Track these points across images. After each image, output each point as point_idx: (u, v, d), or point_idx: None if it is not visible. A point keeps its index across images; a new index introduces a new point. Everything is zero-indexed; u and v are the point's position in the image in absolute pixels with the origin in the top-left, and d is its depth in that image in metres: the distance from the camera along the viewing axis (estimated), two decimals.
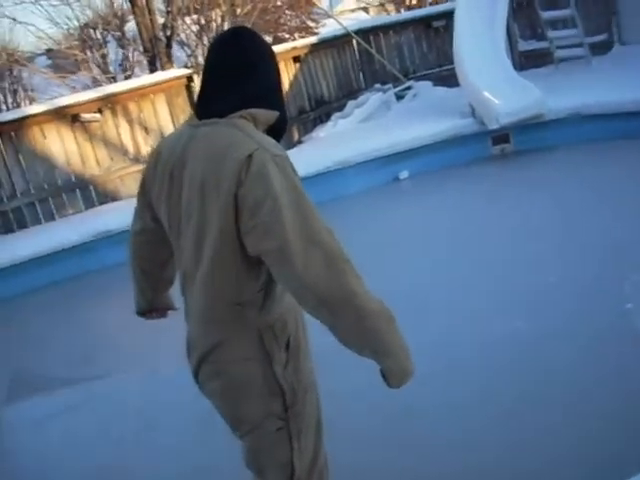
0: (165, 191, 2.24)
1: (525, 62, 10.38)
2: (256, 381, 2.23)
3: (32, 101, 15.74)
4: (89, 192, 8.12)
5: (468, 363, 4.03)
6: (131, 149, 8.33)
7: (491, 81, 7.90)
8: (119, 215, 7.36)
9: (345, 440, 3.16)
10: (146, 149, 8.34)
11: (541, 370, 3.80)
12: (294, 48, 9.87)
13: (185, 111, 8.44)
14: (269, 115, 2.20)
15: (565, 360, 3.83)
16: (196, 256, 2.18)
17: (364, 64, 10.68)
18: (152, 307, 2.70)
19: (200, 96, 2.25)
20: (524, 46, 10.57)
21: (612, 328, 4.03)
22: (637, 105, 7.24)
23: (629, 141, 6.98)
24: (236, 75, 2.17)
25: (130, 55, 13.95)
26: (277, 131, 2.25)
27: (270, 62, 2.25)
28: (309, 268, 1.98)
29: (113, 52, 14.54)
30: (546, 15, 9.86)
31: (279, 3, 18.45)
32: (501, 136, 7.87)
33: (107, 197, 8.15)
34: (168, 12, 11.93)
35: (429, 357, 4.05)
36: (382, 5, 24.13)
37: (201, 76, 2.28)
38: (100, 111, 8.11)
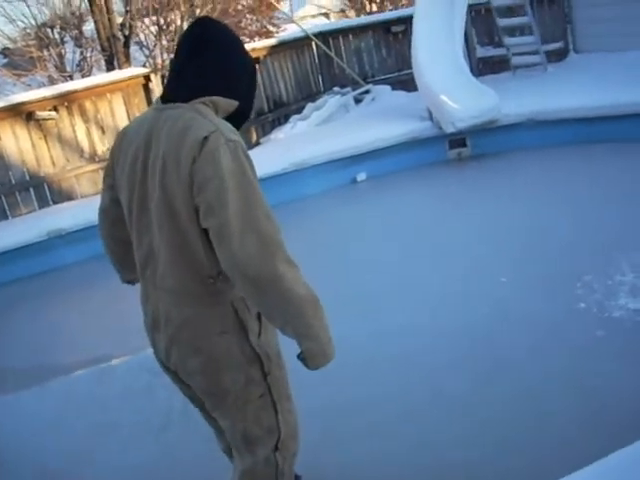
0: (127, 171, 2.34)
1: (483, 68, 10.52)
2: (234, 352, 2.33)
3: None
4: (43, 191, 8.00)
5: (424, 351, 4.13)
6: (87, 148, 8.22)
7: (448, 85, 7.97)
8: (73, 214, 7.29)
9: None
10: (102, 149, 8.26)
11: (494, 358, 3.89)
12: (253, 49, 9.81)
13: (143, 111, 8.36)
14: (228, 104, 2.32)
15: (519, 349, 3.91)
16: (162, 231, 2.26)
17: (323, 67, 10.70)
18: (126, 279, 2.80)
19: (167, 80, 2.40)
20: (482, 52, 10.71)
21: (557, 328, 4.11)
22: (588, 112, 7.41)
23: (580, 146, 7.15)
24: (197, 63, 2.30)
25: (88, 55, 13.79)
26: (236, 120, 2.35)
27: (231, 52, 2.35)
28: (243, 249, 2.10)
29: (70, 51, 14.36)
30: (503, 22, 10.00)
31: (240, 7, 18.40)
32: (458, 140, 7.95)
33: (62, 196, 8.04)
34: (127, 11, 11.82)
35: (376, 345, 4.26)
36: (343, 11, 24.26)
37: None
38: (56, 109, 8.00)
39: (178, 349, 2.37)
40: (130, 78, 8.47)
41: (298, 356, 2.24)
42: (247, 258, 2.10)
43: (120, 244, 2.62)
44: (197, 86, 2.29)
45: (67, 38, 14.65)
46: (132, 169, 2.32)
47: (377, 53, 10.94)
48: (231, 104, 2.33)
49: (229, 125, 2.26)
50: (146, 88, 8.49)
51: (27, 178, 7.93)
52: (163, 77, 8.67)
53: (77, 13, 14.37)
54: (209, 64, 2.29)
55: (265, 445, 2.49)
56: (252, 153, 2.28)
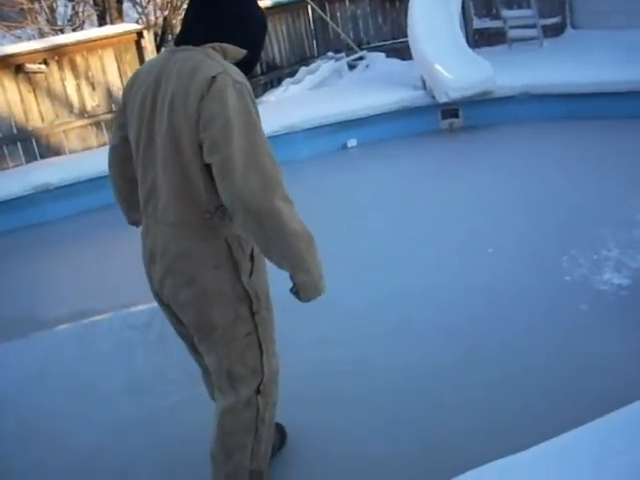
0: (137, 109, 2.44)
1: (479, 40, 10.42)
2: (225, 288, 2.44)
3: None
4: (31, 145, 7.91)
5: (418, 322, 4.12)
6: (76, 104, 8.12)
7: (443, 55, 7.90)
8: (61, 170, 7.23)
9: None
10: (92, 104, 8.16)
11: (490, 334, 3.88)
12: None
13: (134, 68, 8.24)
14: (237, 51, 2.43)
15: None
16: (166, 166, 2.35)
17: (318, 31, 10.61)
18: (132, 220, 2.87)
19: (181, 27, 2.51)
20: (478, 24, 10.60)
21: (552, 303, 4.12)
22: (582, 87, 7.38)
23: (573, 121, 7.15)
24: (209, 10, 2.41)
25: (80, 9, 13.57)
26: (243, 68, 2.43)
27: (244, 2, 2.46)
28: (246, 184, 2.20)
29: (62, 5, 14.14)
30: None
31: None
32: (450, 110, 7.91)
33: (50, 151, 7.95)
34: None
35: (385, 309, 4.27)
36: None
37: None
38: (46, 63, 7.88)
39: (172, 279, 2.45)
40: (122, 34, 8.34)
41: (291, 289, 2.36)
42: (249, 193, 2.19)
43: (127, 182, 2.71)
44: (208, 32, 2.40)
45: None
46: (142, 106, 2.42)
47: (373, 20, 10.86)
48: (239, 52, 2.43)
49: (237, 69, 2.36)
50: (138, 45, 8.36)
51: (15, 131, 7.84)
52: (156, 34, 8.59)
53: None
54: (222, 12, 2.40)
55: (248, 385, 2.56)
56: None
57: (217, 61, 2.33)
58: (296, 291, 2.36)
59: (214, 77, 2.25)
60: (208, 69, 2.27)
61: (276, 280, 2.59)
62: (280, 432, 3.10)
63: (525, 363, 3.55)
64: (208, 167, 2.28)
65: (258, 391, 2.58)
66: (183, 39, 2.45)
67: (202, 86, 2.24)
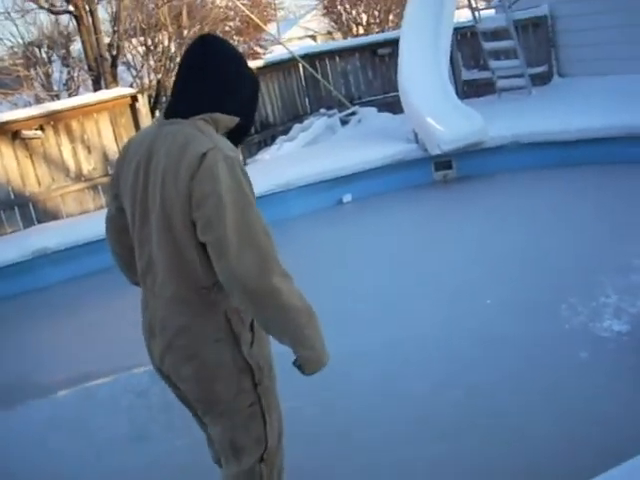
0: (130, 183, 2.41)
1: (468, 91, 10.61)
2: (227, 361, 2.41)
3: None
4: (28, 210, 7.96)
5: (409, 375, 4.11)
6: (73, 168, 8.19)
7: (434, 108, 8.02)
8: (59, 234, 7.26)
9: None
10: (88, 168, 8.23)
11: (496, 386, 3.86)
12: None
13: (129, 131, 8.35)
14: (228, 120, 2.39)
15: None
16: (161, 242, 2.33)
17: (310, 89, 10.76)
18: (134, 282, 2.79)
19: (170, 97, 2.47)
20: (467, 75, 10.81)
21: (544, 351, 4.11)
22: (572, 135, 7.49)
23: (565, 168, 7.22)
24: (197, 78, 2.37)
25: (75, 74, 13.79)
26: (237, 135, 2.44)
27: (233, 68, 2.41)
28: (241, 263, 2.17)
29: (57, 71, 14.38)
30: (488, 46, 10.10)
31: (227, 28, 18.48)
32: (443, 162, 7.99)
33: (47, 216, 8.00)
34: (114, 32, 11.85)
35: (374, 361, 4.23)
36: (330, 34, 24.48)
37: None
38: (42, 128, 7.98)
39: (172, 355, 2.42)
40: (117, 98, 8.46)
41: (294, 363, 2.32)
42: (245, 272, 2.17)
43: (126, 250, 2.65)
44: (198, 102, 2.36)
45: (54, 57, 14.66)
46: (134, 183, 2.39)
47: (363, 75, 11.02)
48: (232, 120, 2.40)
49: (227, 142, 2.33)
50: (133, 108, 8.47)
51: (12, 197, 7.89)
52: (150, 97, 8.70)
53: (65, 33, 14.39)
54: (210, 80, 2.36)
55: (251, 455, 2.52)
56: None
57: (208, 135, 2.29)
58: (299, 365, 2.32)
59: (204, 154, 2.21)
60: (199, 145, 2.24)
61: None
62: None
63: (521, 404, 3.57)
64: (203, 244, 2.25)
65: (261, 459, 2.53)
66: (173, 109, 2.40)
67: (193, 164, 2.21)
